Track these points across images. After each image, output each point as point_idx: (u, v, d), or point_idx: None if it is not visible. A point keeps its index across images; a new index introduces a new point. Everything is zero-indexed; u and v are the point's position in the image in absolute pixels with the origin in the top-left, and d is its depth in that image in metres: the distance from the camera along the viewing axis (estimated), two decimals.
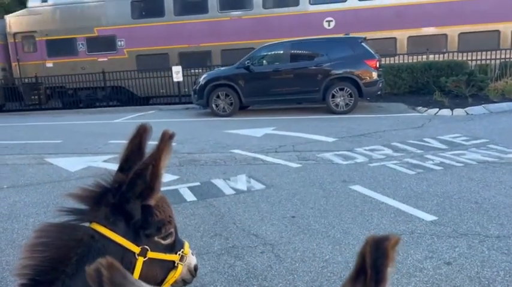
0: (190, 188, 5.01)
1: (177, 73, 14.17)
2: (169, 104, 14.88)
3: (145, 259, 1.14)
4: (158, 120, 11.61)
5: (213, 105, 11.15)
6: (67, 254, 1.03)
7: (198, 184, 5.18)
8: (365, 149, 6.46)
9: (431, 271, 2.95)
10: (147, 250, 1.15)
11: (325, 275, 2.97)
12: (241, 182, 5.13)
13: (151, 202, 1.16)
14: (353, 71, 10.20)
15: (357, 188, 4.73)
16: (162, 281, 1.23)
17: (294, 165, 5.79)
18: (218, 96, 11.10)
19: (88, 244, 1.07)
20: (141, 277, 1.15)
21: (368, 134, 7.62)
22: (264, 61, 11.14)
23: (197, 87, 11.33)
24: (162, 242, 1.20)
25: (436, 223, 3.72)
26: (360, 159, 5.93)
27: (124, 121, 11.78)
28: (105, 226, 1.11)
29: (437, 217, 3.82)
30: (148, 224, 1.16)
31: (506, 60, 12.28)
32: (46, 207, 4.62)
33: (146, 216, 1.16)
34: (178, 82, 14.29)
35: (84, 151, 7.47)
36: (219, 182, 5.17)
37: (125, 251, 1.13)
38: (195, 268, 1.34)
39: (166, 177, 5.36)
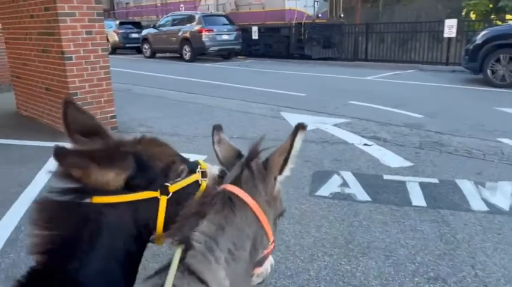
0: (422, 185, 3.75)
1: (451, 28, 11.99)
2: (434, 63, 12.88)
3: (169, 196, 1.02)
4: (413, 82, 10.07)
5: (489, 71, 8.75)
6: (79, 234, 0.93)
7: (435, 181, 3.84)
8: None
9: None
10: (167, 186, 1.02)
11: None
12: (502, 195, 3.50)
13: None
14: None
15: None
16: None
17: None
18: (498, 60, 8.61)
19: (98, 220, 0.94)
20: (170, 219, 0.97)
21: None
22: None
23: (471, 47, 9.07)
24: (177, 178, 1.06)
25: None
26: None
27: (375, 79, 10.77)
28: (108, 195, 0.96)
29: None
30: (153, 175, 1.02)
31: None
32: None
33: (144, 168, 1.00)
34: (448, 38, 12.15)
35: (320, 110, 6.97)
36: (466, 186, 3.69)
37: (140, 205, 0.98)
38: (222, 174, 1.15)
39: (397, 161, 4.24)
